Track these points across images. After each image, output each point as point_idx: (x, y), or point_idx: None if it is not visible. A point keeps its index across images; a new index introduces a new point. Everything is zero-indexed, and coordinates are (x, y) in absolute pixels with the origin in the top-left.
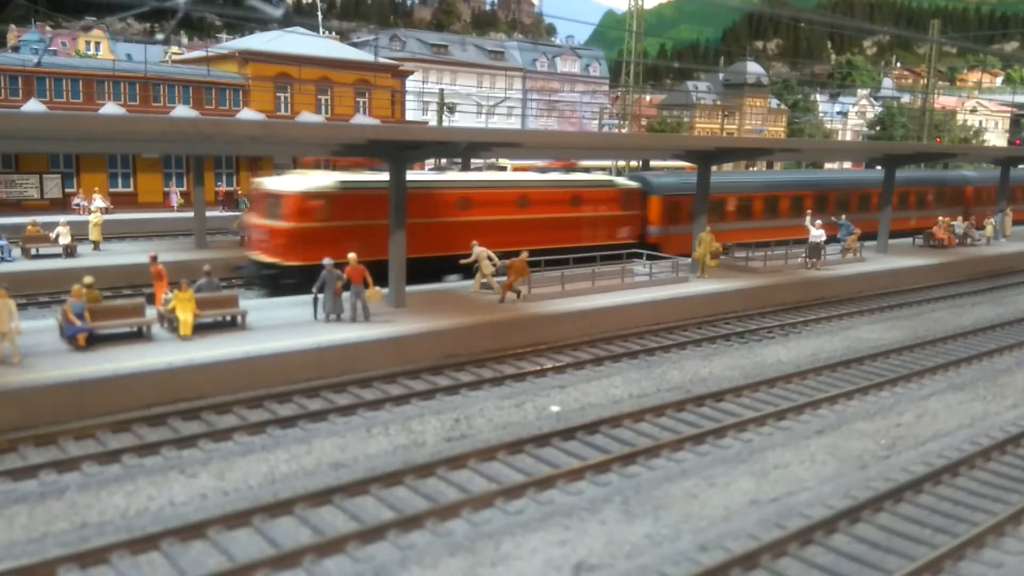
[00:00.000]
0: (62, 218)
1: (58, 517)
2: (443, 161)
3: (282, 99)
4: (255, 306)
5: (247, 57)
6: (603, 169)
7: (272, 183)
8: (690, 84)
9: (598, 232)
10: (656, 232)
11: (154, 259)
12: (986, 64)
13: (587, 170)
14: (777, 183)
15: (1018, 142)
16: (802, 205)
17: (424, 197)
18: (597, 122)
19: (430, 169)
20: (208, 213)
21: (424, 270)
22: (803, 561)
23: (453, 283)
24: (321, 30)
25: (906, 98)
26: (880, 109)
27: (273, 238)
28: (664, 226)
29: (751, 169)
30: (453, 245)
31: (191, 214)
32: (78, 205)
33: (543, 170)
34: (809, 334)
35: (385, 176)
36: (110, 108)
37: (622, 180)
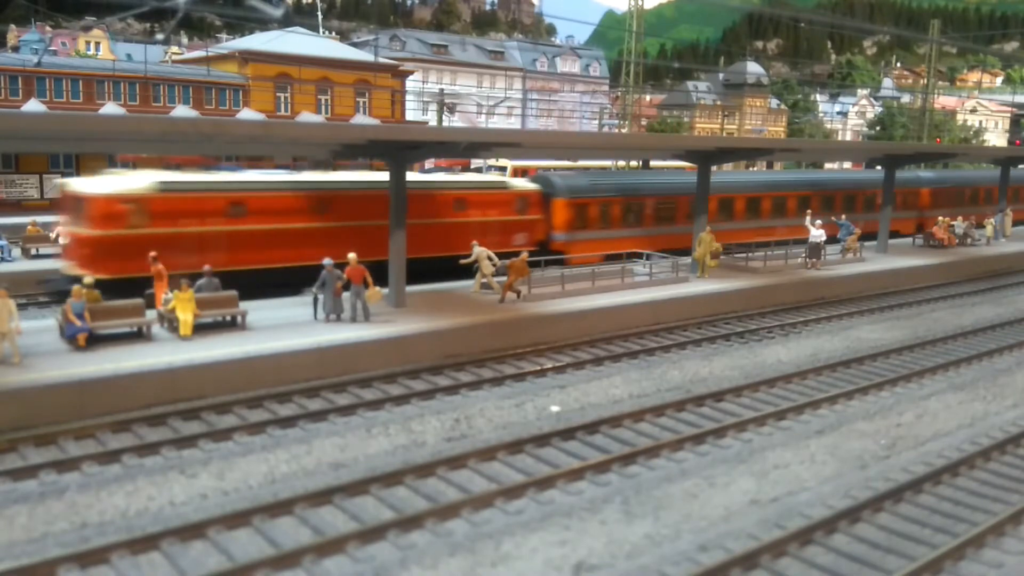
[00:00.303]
0: (62, 218)
1: (58, 517)
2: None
3: (282, 99)
4: (255, 306)
5: (247, 57)
6: (502, 169)
7: (78, 184)
8: (690, 84)
9: (487, 239)
10: (561, 238)
11: (154, 259)
12: (986, 64)
13: (479, 170)
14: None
15: (1018, 142)
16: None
17: (263, 200)
18: (597, 122)
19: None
20: None
21: (251, 284)
22: (803, 561)
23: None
24: (321, 30)
25: (906, 98)
26: (880, 109)
27: (79, 247)
28: (570, 231)
29: (751, 169)
30: (299, 256)
31: None
32: None
33: (425, 170)
34: (809, 334)
35: (216, 177)
36: (110, 108)
37: (518, 181)
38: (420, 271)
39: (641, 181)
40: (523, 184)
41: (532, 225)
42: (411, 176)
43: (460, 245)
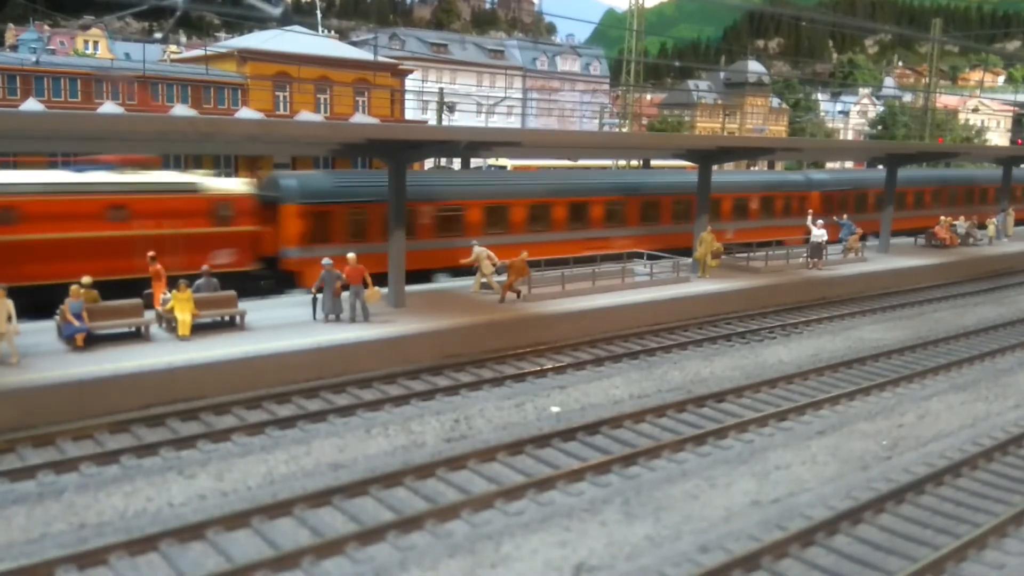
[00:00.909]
0: None
1: (56, 518)
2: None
3: (281, 98)
4: (254, 306)
5: (246, 56)
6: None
7: None
8: (691, 83)
9: (166, 258)
10: (296, 254)
11: (153, 259)
12: (988, 63)
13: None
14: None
15: (1020, 141)
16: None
17: None
18: (598, 121)
19: None
20: None
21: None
22: (804, 562)
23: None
24: (320, 29)
25: (908, 97)
26: (882, 108)
27: None
28: (307, 245)
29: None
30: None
31: None
32: None
33: (81, 168)
34: (810, 334)
35: None
36: (108, 107)
37: (219, 183)
38: (53, 301)
39: (413, 182)
40: (226, 187)
41: (243, 239)
42: (40, 179)
43: (119, 266)
